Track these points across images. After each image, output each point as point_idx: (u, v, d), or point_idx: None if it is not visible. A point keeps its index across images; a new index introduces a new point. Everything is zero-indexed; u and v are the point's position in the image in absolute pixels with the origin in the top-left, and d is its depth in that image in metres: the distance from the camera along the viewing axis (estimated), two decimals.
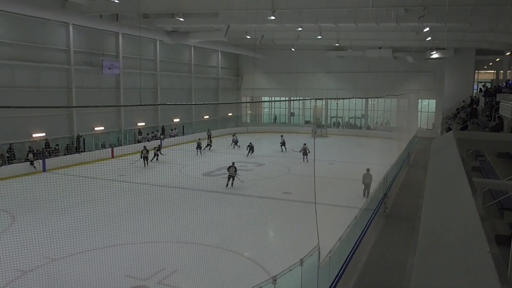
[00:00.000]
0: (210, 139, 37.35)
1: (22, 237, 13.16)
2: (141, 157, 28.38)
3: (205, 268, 12.12)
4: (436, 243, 3.21)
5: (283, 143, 36.17)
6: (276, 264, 11.87)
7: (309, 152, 30.00)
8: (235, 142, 37.74)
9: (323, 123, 52.11)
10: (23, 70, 27.41)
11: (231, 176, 22.96)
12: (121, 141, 34.55)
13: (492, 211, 7.26)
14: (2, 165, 24.09)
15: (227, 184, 22.92)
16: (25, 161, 25.59)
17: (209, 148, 36.34)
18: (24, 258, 11.25)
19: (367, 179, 20.73)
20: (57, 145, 28.64)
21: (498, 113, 17.95)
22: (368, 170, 20.94)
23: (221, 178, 25.04)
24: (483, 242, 2.59)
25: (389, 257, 14.25)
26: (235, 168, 23.13)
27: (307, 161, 29.59)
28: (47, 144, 27.60)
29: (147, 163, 28.75)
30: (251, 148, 32.94)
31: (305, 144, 30.41)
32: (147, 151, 28.55)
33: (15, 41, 26.74)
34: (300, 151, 30.44)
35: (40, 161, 26.17)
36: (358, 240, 13.49)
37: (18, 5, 24.44)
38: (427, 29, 30.14)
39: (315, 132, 41.48)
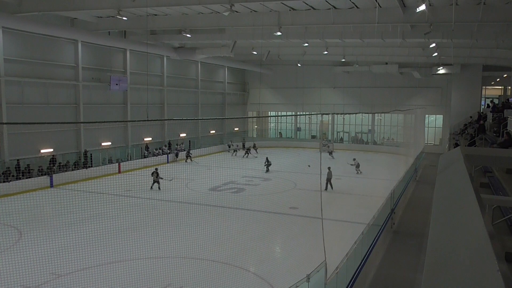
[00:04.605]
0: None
1: (28, 253, 13.17)
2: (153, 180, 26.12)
3: (212, 284, 12.03)
4: (444, 260, 3.18)
5: (329, 152, 41.00)
6: (282, 280, 11.79)
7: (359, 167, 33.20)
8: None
9: (329, 137, 52.07)
10: (32, 87, 27.72)
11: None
12: (128, 156, 34.68)
13: (501, 228, 7.18)
14: (10, 181, 24.21)
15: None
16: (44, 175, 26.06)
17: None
18: (30, 274, 11.23)
19: (328, 176, 26.02)
20: (68, 161, 28.81)
21: (506, 129, 17.89)
22: (329, 168, 26.24)
23: (228, 193, 25.03)
24: (492, 260, 2.56)
25: (396, 274, 14.09)
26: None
27: (361, 172, 32.71)
28: (53, 160, 27.79)
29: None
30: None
31: (354, 159, 33.61)
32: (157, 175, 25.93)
33: (24, 58, 27.10)
34: (352, 164, 33.35)
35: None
36: (365, 256, 13.36)
37: (28, 23, 24.80)
38: (433, 45, 30.24)
39: (328, 146, 41.81)
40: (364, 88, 50.29)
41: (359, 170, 32.81)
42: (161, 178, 25.39)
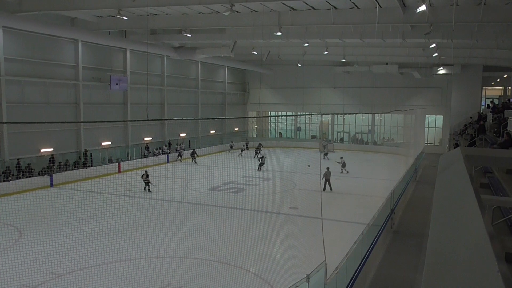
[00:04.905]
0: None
1: (28, 252, 13.16)
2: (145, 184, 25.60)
3: (211, 284, 12.02)
4: (444, 261, 3.17)
5: (325, 153, 39.74)
6: (282, 280, 11.78)
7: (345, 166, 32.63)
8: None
9: (329, 138, 52.07)
10: (33, 86, 27.71)
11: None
12: (128, 156, 34.67)
13: (501, 228, 7.18)
14: (10, 180, 24.21)
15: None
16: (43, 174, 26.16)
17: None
18: (30, 273, 11.23)
19: (326, 176, 25.38)
20: (68, 160, 28.80)
21: (507, 130, 17.89)
22: (328, 168, 25.43)
23: (227, 193, 25.03)
24: (492, 260, 2.55)
25: (396, 274, 14.09)
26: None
27: (347, 172, 32.12)
28: (52, 160, 27.79)
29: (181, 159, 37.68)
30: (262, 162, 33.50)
31: (341, 157, 33.26)
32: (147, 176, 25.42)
33: (25, 58, 27.09)
34: (338, 162, 32.95)
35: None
36: (365, 256, 13.36)
37: (28, 23, 24.79)
38: (434, 45, 30.22)
39: (324, 148, 41.61)
40: (364, 88, 50.28)
41: (344, 169, 32.31)
42: (150, 182, 25.22)
